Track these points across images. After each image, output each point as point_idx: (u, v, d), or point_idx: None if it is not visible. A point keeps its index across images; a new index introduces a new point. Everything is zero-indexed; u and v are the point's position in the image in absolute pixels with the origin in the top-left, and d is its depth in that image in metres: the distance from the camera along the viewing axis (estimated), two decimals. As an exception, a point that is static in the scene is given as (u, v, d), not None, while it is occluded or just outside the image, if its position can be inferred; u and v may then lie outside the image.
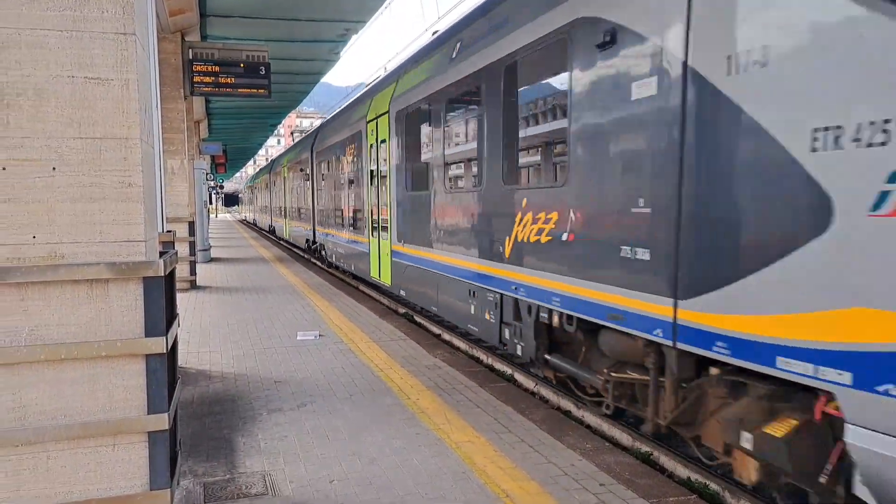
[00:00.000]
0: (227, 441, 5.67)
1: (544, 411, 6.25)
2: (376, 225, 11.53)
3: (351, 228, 13.60)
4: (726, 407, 4.33)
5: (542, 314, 6.05)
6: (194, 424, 6.08)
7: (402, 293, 10.16)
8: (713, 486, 5.36)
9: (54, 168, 4.04)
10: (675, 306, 4.30)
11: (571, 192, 5.38)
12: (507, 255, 6.48)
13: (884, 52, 3.11)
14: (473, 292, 7.41)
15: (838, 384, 3.31)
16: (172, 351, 4.57)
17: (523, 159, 6.24)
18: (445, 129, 8.11)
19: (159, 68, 10.30)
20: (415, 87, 9.27)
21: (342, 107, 17.64)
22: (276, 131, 41.88)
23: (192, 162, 17.81)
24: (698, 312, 4.12)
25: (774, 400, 3.98)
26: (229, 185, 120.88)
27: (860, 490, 3.20)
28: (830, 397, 3.40)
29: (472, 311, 7.53)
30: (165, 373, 4.18)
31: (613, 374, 5.43)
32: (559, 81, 5.58)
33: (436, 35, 9.74)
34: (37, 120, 4.00)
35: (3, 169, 3.98)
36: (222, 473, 5.09)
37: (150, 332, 4.13)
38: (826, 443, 3.61)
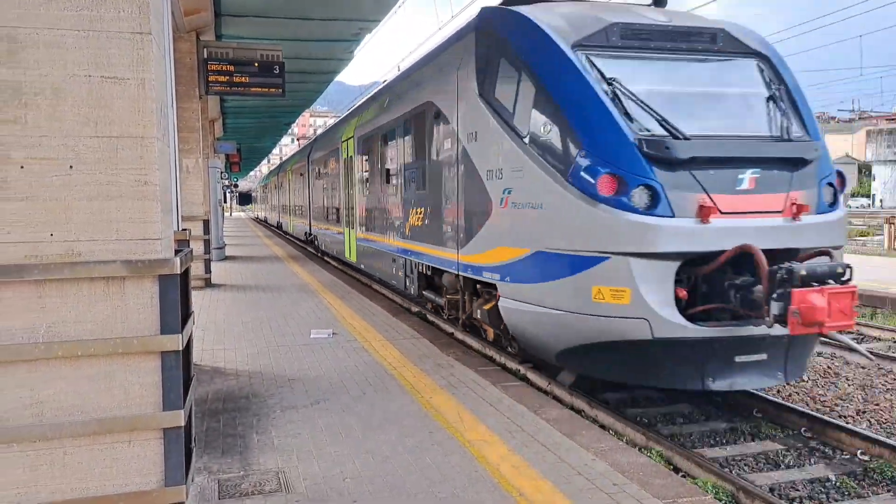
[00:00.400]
0: (241, 438, 5.70)
1: (557, 410, 6.25)
2: (348, 220, 16.28)
3: (335, 223, 18.31)
4: (479, 300, 8.61)
5: (420, 268, 10.67)
6: (209, 421, 6.12)
7: (362, 266, 15.00)
8: (727, 486, 5.41)
9: (71, 166, 4.09)
10: (458, 254, 8.59)
11: (427, 198, 9.76)
12: (407, 235, 11.01)
13: (500, 146, 7.17)
14: (394, 259, 12.07)
15: (498, 280, 7.33)
16: (187, 348, 4.61)
17: (413, 177, 10.59)
18: (381, 153, 12.76)
19: (174, 68, 10.36)
20: (367, 121, 14.04)
21: (329, 126, 23.18)
22: (289, 130, 39.98)
23: (206, 161, 17.92)
24: (464, 255, 8.33)
25: (486, 292, 8.21)
26: (244, 184, 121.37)
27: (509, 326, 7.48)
28: (495, 289, 7.52)
29: (393, 272, 12.12)
30: (180, 370, 4.21)
31: (448, 297, 9.78)
32: (425, 132, 9.88)
33: (384, 83, 14.82)
34: (54, 119, 4.05)
35: (21, 167, 4.03)
36: (236, 470, 5.12)
37: (165, 329, 4.17)
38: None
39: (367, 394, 6.88)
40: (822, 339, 9.04)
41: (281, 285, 15.17)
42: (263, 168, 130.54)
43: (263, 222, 55.94)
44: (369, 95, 16.14)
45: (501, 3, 8.15)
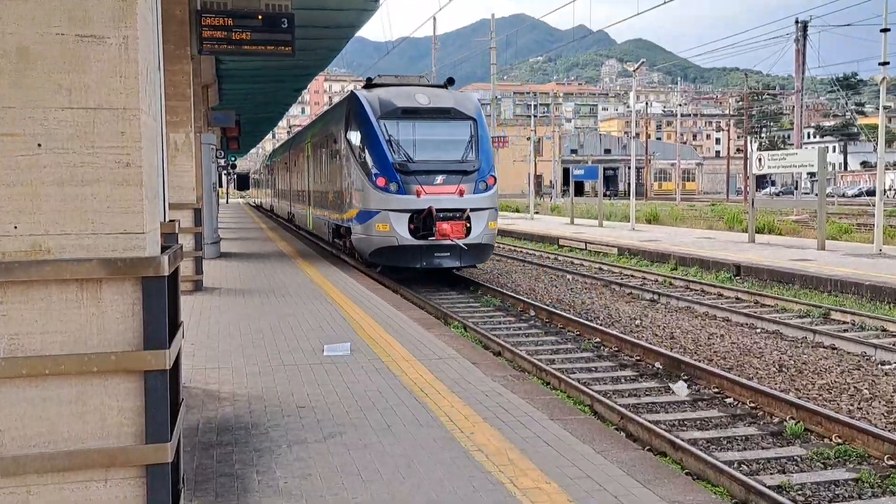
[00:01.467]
0: (239, 478, 5.77)
1: (632, 453, 6.35)
2: (309, 201, 30.28)
3: (304, 203, 32.21)
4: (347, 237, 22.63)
5: (331, 225, 25.04)
6: (200, 457, 6.19)
7: (314, 230, 29.56)
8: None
9: (39, 144, 4.13)
10: (342, 215, 22.63)
11: (334, 186, 23.67)
12: (327, 208, 25.14)
13: (351, 162, 21.64)
14: (325, 223, 26.14)
15: (351, 225, 21.33)
16: (175, 367, 4.65)
17: (328, 174, 25.10)
18: (317, 157, 27.41)
19: (161, 23, 10.45)
20: (315, 133, 28.58)
21: (304, 125, 37.59)
22: (300, 98, 40.32)
23: (199, 136, 18.02)
24: (343, 216, 22.46)
25: (348, 231, 22.01)
26: (243, 164, 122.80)
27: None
28: (350, 229, 21.33)
29: (326, 231, 26.12)
30: (167, 393, 4.25)
31: (342, 238, 23.87)
32: (332, 149, 24.27)
33: (330, 106, 29.51)
34: (19, 87, 4.09)
35: (-20, 145, 4.07)
36: (233, 518, 5.17)
37: (149, 343, 4.20)
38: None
39: (394, 426, 6.92)
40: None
41: (287, 288, 15.39)
42: (267, 145, 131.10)
43: (269, 212, 58.21)
44: (319, 114, 31.66)
45: (364, 84, 22.87)
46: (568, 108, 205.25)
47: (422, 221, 20.35)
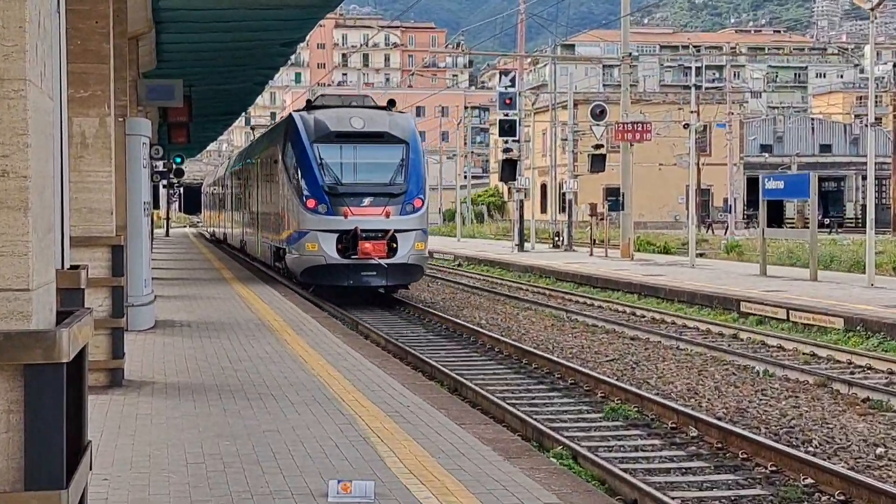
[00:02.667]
0: None
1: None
2: (257, 225, 30.42)
3: (253, 228, 31.83)
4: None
5: (274, 248, 26.49)
6: None
7: (261, 257, 29.88)
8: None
9: None
10: (281, 236, 25.03)
11: (274, 206, 25.71)
12: (272, 228, 26.43)
13: (285, 185, 24.66)
14: (269, 247, 27.38)
15: (285, 246, 24.29)
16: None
17: (270, 194, 26.88)
18: (263, 175, 28.70)
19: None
20: (260, 152, 30.14)
21: (257, 138, 36.89)
22: (294, 56, 30.53)
23: (122, 122, 12.69)
24: (280, 236, 25.07)
25: (285, 251, 24.83)
26: (194, 169, 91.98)
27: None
28: (285, 250, 24.25)
29: (269, 255, 27.39)
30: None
31: (283, 264, 25.22)
32: (274, 167, 25.78)
33: (272, 126, 36.35)
34: None
35: None
36: None
37: (34, 480, 2.82)
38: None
39: None
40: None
41: (267, 385, 10.14)
42: (237, 137, 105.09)
43: (231, 246, 41.98)
44: (265, 131, 33.83)
45: (305, 105, 25.79)
46: (755, 73, 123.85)
47: (348, 241, 22.40)
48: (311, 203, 22.58)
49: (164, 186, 49.42)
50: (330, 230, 22.30)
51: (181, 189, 68.92)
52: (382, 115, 24.25)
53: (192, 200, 78.01)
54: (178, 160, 44.93)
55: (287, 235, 23.82)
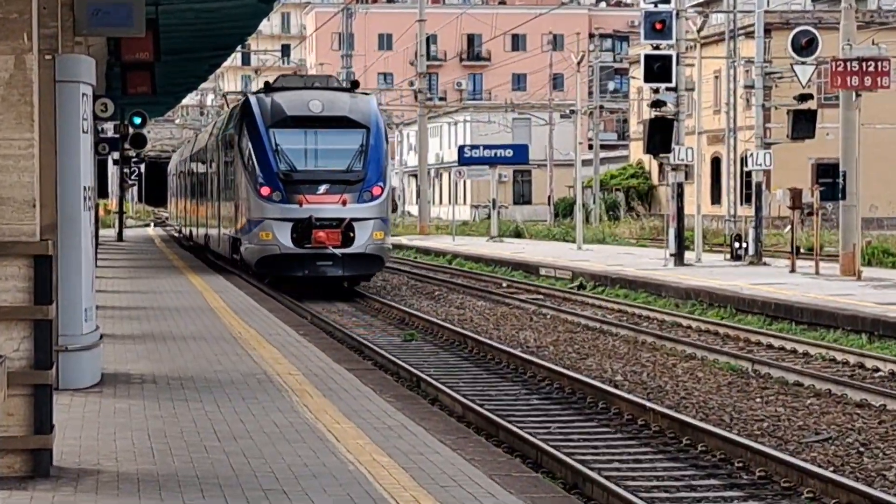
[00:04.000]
0: None
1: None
2: (218, 217, 29.15)
3: (215, 220, 30.14)
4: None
5: (231, 239, 25.78)
6: None
7: (220, 250, 28.76)
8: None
9: None
10: (235, 226, 25.44)
11: (231, 195, 25.85)
12: (229, 219, 26.29)
13: (240, 171, 25.51)
14: (228, 238, 26.57)
15: (241, 234, 24.52)
16: None
17: (227, 182, 27.24)
18: (220, 162, 28.64)
19: None
20: (218, 136, 29.38)
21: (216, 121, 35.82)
22: None
23: (49, 62, 8.88)
24: (235, 227, 25.33)
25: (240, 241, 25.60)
26: (160, 136, 67.99)
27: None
28: (240, 240, 24.59)
29: (227, 247, 26.58)
30: None
31: (239, 255, 25.01)
32: (230, 153, 26.05)
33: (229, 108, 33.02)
34: None
35: None
36: None
37: None
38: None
39: None
40: None
41: (281, 477, 6.21)
42: (227, 83, 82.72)
43: (205, 248, 33.58)
44: (225, 114, 31.82)
45: (263, 87, 25.54)
46: None
47: (303, 230, 22.34)
48: (265, 191, 22.60)
49: (116, 163, 38.34)
50: (284, 219, 22.40)
51: (142, 167, 50.25)
52: (343, 98, 24.03)
53: (157, 184, 54.85)
54: (138, 121, 32.63)
55: (242, 225, 23.84)
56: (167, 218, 61.30)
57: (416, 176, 59.66)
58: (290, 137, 23.07)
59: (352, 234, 22.27)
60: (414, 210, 66.17)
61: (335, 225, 22.23)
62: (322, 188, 22.65)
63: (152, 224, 63.56)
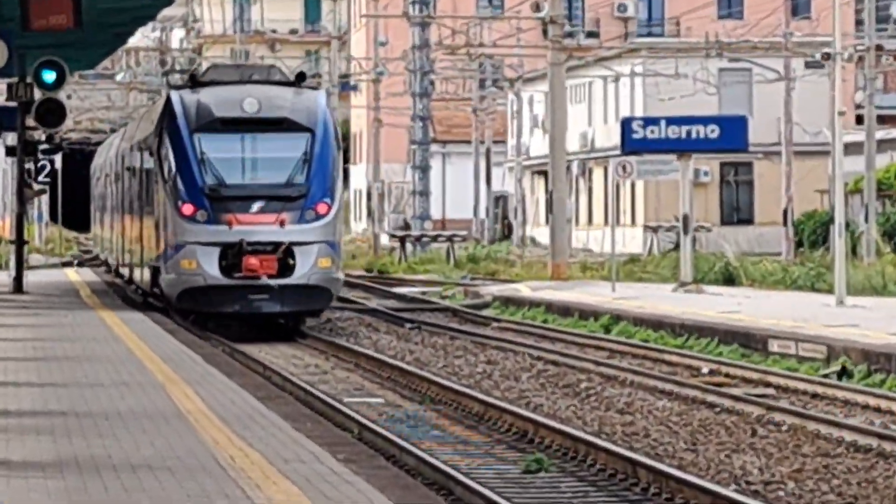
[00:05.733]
0: None
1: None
2: (140, 239, 26.02)
3: (135, 243, 27.23)
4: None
5: (151, 268, 23.22)
6: None
7: (141, 283, 26.34)
8: None
9: None
10: (155, 252, 23.81)
11: (149, 214, 24.11)
12: (148, 243, 23.94)
13: (158, 186, 23.35)
14: (148, 267, 23.63)
15: (161, 262, 22.45)
16: None
17: (145, 198, 25.20)
18: (136, 172, 27.16)
19: None
20: (135, 139, 26.87)
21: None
22: None
23: None
24: (155, 253, 23.88)
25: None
26: (95, 102, 53.23)
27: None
28: (163, 269, 22.68)
29: (148, 278, 23.71)
30: None
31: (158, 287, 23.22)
32: (148, 162, 24.02)
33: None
34: None
35: None
36: None
37: None
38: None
39: None
40: None
41: None
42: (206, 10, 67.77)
43: (128, 282, 29.34)
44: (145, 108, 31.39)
45: (188, 80, 23.00)
46: None
47: (233, 257, 19.79)
48: (187, 209, 20.28)
49: (11, 152, 27.80)
50: (210, 243, 20.20)
51: (57, 160, 34.65)
52: (285, 94, 21.40)
53: (79, 191, 38.70)
54: (51, 77, 23.64)
55: (161, 251, 21.13)
56: (91, 245, 45.32)
57: (544, 174, 46.28)
58: (218, 144, 20.53)
59: (291, 262, 19.97)
60: (542, 235, 52.70)
61: (271, 250, 19.95)
62: (256, 206, 20.43)
63: (75, 262, 44.48)
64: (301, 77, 22.47)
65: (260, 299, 19.95)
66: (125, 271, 29.58)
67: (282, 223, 20.02)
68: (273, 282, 19.72)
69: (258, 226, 20.06)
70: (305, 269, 19.89)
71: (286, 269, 19.84)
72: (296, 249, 19.95)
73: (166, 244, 20.86)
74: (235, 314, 20.39)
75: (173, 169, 20.50)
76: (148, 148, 23.10)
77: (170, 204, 20.58)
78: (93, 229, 43.87)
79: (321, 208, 20.38)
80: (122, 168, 30.64)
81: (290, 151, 20.56)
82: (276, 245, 19.87)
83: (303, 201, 20.16)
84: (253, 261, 19.60)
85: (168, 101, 21.47)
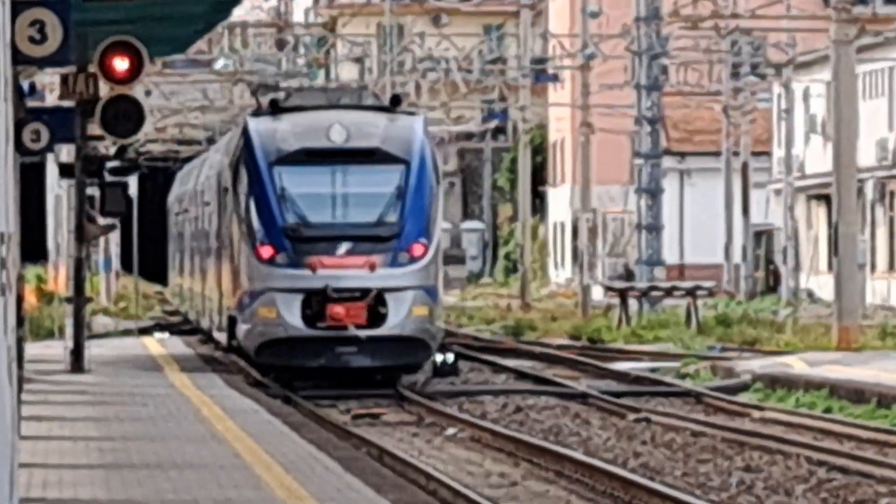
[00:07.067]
0: None
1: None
2: (218, 283, 34.26)
3: (215, 289, 34.19)
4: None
5: (229, 317, 31.34)
6: None
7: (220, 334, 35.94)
8: None
9: None
10: (231, 300, 34.72)
11: (224, 255, 33.51)
12: (226, 292, 33.08)
13: (237, 227, 32.57)
14: (227, 317, 31.56)
15: (237, 311, 31.24)
16: None
17: (220, 237, 35.06)
18: (213, 208, 36.71)
19: None
20: (212, 172, 36.96)
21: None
22: None
23: None
24: (231, 300, 34.59)
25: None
26: (176, 101, 58.73)
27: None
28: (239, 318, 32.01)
29: (224, 328, 31.36)
30: None
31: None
32: (224, 198, 32.00)
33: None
34: None
35: None
36: None
37: None
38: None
39: None
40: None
41: None
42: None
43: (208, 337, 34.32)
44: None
45: (268, 105, 29.30)
46: None
47: (317, 305, 23.21)
48: (266, 251, 24.16)
49: (66, 172, 28.31)
50: (292, 289, 24.02)
51: (132, 183, 37.09)
52: (377, 120, 25.23)
53: (162, 227, 42.93)
54: (123, 68, 23.45)
55: (238, 299, 25.01)
56: (176, 294, 48.40)
57: (825, 199, 50.69)
58: (300, 178, 24.52)
59: (382, 310, 23.56)
60: (823, 286, 57.95)
61: (359, 297, 23.65)
62: (342, 247, 24.38)
63: (157, 328, 47.05)
64: (396, 101, 25.95)
65: (348, 352, 23.22)
66: (204, 323, 34.54)
67: (372, 267, 23.55)
68: (362, 333, 23.00)
69: (345, 269, 23.46)
70: (399, 318, 23.07)
71: (377, 318, 23.10)
72: (387, 296, 23.27)
73: (243, 291, 24.42)
74: (321, 369, 23.58)
75: (251, 206, 24.13)
76: (224, 182, 26.98)
77: (247, 245, 24.12)
78: (170, 278, 46.70)
79: (416, 250, 23.72)
80: (201, 202, 34.28)
81: (381, 186, 24.15)
82: (366, 291, 23.33)
83: (395, 242, 23.62)
84: (339, 309, 23.03)
85: (245, 129, 25.15)
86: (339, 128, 24.06)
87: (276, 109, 25.58)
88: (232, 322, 26.27)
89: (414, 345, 23.58)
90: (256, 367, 24.87)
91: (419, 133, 24.64)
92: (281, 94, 26.98)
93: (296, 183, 23.75)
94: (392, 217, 23.81)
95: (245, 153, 24.51)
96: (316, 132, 24.11)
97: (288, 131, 24.36)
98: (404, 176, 23.94)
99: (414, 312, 22.91)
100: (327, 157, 24.18)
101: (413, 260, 23.39)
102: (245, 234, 24.05)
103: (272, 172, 23.52)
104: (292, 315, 22.66)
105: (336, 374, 24.35)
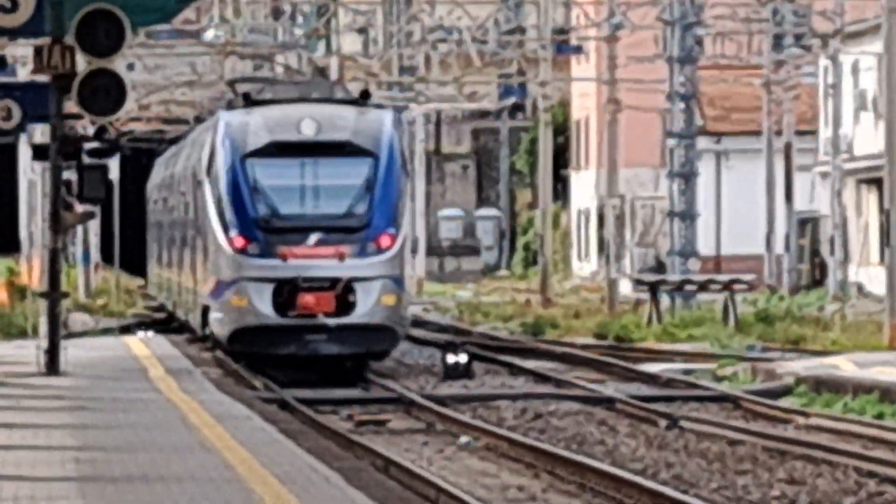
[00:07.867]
0: None
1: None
2: (193, 270, 40.83)
3: (190, 275, 39.23)
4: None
5: (202, 306, 37.09)
6: None
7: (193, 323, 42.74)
8: None
9: None
10: (204, 288, 42.04)
11: (198, 245, 39.77)
12: (199, 281, 39.49)
13: (208, 221, 38.10)
14: (198, 305, 37.91)
15: (210, 300, 36.54)
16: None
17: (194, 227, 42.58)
18: (185, 199, 44.29)
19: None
20: (183, 162, 43.04)
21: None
22: None
23: None
24: (204, 288, 41.13)
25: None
26: (160, 75, 58.97)
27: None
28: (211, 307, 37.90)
29: (198, 317, 36.91)
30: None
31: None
32: (196, 191, 38.28)
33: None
34: None
35: None
36: None
37: None
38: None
39: None
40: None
41: None
42: None
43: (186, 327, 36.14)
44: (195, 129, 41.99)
45: (241, 97, 34.50)
46: None
47: (288, 294, 25.50)
48: (238, 241, 26.90)
49: (41, 154, 27.49)
50: (263, 278, 26.68)
51: (112, 165, 37.63)
52: (347, 114, 28.08)
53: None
54: (102, 39, 23.48)
55: (211, 287, 27.77)
56: (153, 283, 50.24)
57: (877, 183, 51.20)
58: (271, 170, 27.28)
59: (351, 299, 26.22)
60: (875, 279, 58.32)
61: (329, 286, 26.32)
62: (312, 238, 27.05)
63: (142, 328, 46.77)
64: (365, 95, 28.75)
65: (317, 340, 25.68)
66: (180, 314, 39.49)
67: (341, 257, 26.14)
68: (331, 321, 25.39)
69: (315, 259, 25.95)
70: (367, 307, 25.54)
71: (346, 307, 25.54)
72: (356, 285, 25.72)
73: (216, 280, 26.80)
74: (290, 356, 25.87)
75: (223, 198, 26.63)
76: (198, 174, 29.66)
77: (220, 236, 26.53)
78: (148, 268, 49.77)
79: (384, 240, 26.17)
80: (177, 191, 38.43)
81: (351, 178, 26.86)
82: (335, 281, 25.75)
83: (364, 233, 26.11)
84: (309, 298, 25.52)
85: (217, 123, 27.72)
86: (309, 121, 27.06)
87: (248, 102, 28.64)
88: (205, 311, 29.14)
89: (382, 333, 26.25)
90: (227, 354, 27.28)
91: (388, 126, 27.82)
92: (259, 86, 29.42)
93: (267, 175, 26.85)
94: (361, 208, 26.96)
95: (217, 146, 27.31)
96: (287, 125, 27.31)
97: (260, 125, 27.56)
98: (373, 168, 27.16)
99: (382, 301, 25.74)
100: (298, 150, 27.44)
101: (381, 250, 26.47)
102: (218, 224, 26.64)
103: (244, 165, 26.59)
104: (264, 303, 25.35)
105: (306, 361, 26.80)
